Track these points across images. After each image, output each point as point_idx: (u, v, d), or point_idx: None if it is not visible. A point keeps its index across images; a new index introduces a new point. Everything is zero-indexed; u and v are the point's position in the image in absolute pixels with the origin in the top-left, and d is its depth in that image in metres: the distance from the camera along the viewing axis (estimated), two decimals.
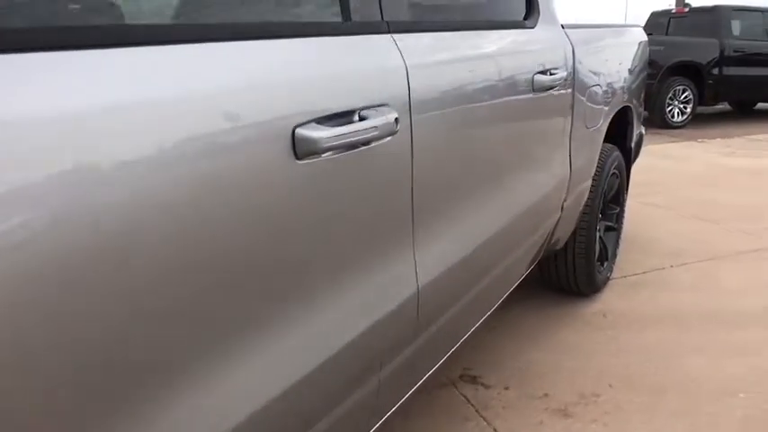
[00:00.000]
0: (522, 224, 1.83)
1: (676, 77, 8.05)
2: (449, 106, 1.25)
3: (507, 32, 1.64)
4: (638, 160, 3.29)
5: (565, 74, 1.83)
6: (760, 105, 10.01)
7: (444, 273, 1.28)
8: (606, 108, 2.45)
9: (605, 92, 2.43)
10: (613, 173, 2.75)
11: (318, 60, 0.95)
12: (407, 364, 1.25)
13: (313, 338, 0.92)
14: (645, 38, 3.27)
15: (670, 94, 8.01)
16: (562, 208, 2.16)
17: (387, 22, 1.12)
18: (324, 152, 0.87)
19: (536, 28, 1.80)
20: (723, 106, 9.74)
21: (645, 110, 8.07)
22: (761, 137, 7.45)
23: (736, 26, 8.52)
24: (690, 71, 8.15)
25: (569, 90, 2.00)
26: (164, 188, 0.68)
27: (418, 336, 1.24)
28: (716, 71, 8.28)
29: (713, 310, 2.62)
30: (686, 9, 9.68)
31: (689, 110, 8.19)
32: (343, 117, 0.92)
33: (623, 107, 2.81)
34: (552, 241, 2.25)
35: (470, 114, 1.37)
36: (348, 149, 0.92)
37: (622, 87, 2.71)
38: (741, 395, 2.00)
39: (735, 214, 4.04)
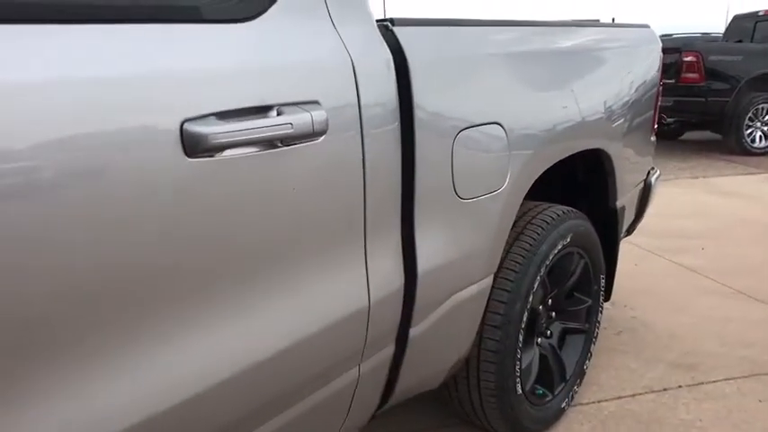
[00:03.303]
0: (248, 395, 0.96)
1: (760, 93, 6.62)
2: None
3: (141, 30, 0.77)
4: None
5: (323, 115, 0.90)
6: None
7: None
8: (524, 158, 1.48)
9: (522, 133, 1.46)
10: (569, 251, 1.77)
11: None
12: None
13: None
14: (653, 43, 2.25)
15: (750, 114, 6.59)
16: (403, 339, 1.23)
17: None
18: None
19: (258, 21, 0.89)
20: None
21: (717, 132, 6.79)
22: None
23: None
24: None
25: (393, 135, 1.09)
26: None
27: None
28: None
29: None
30: None
31: None
32: None
33: (591, 150, 1.82)
34: (391, 398, 1.32)
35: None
36: None
37: (583, 120, 1.73)
38: None
39: None
